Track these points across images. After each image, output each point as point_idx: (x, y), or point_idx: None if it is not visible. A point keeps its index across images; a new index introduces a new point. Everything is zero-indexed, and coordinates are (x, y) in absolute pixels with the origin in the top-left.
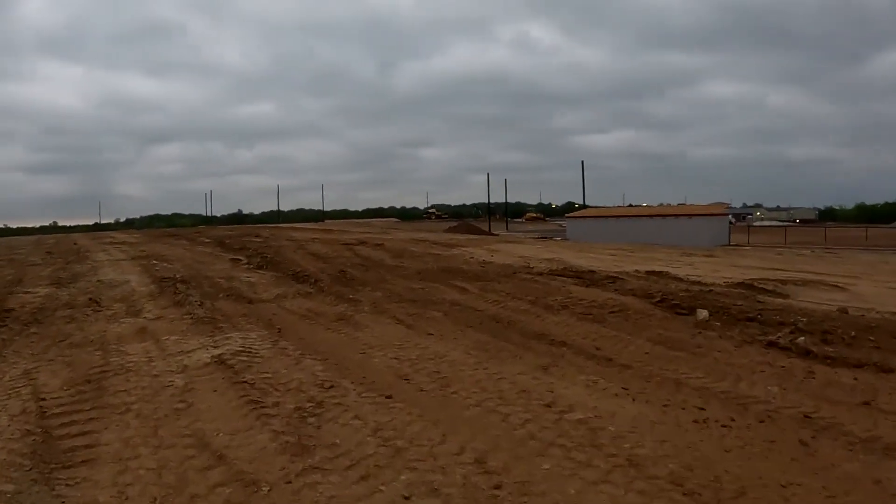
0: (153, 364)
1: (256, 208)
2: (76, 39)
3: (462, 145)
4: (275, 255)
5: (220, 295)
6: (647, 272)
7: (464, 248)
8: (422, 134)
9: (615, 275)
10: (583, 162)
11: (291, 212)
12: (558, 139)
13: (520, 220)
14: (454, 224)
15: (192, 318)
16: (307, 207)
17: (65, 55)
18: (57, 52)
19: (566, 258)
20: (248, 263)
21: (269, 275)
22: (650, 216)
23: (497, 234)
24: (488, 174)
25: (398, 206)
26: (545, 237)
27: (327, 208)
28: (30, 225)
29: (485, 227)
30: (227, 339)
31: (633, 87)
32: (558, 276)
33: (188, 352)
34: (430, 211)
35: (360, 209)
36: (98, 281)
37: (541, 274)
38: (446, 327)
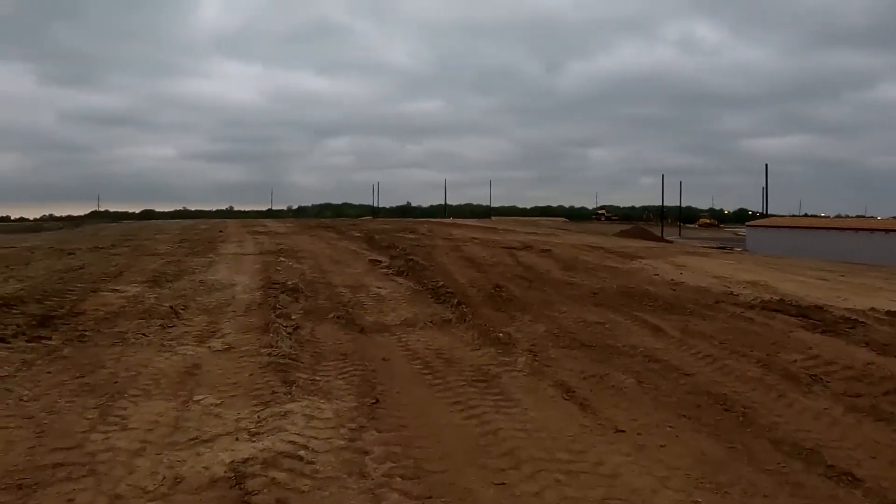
0: (134, 463)
1: (424, 201)
2: (251, 41)
3: (629, 146)
4: (423, 257)
5: (331, 315)
6: (890, 312)
7: (644, 261)
8: (588, 133)
9: (851, 315)
10: (767, 166)
11: (459, 206)
12: (727, 142)
13: (692, 225)
14: (626, 227)
15: (268, 354)
16: (475, 202)
17: (241, 55)
18: (233, 52)
19: (772, 282)
20: (388, 267)
21: (406, 285)
22: (852, 230)
23: (671, 241)
24: (663, 176)
25: (566, 206)
26: (723, 247)
27: (495, 204)
28: (208, 208)
29: (656, 231)
30: (284, 415)
31: (805, 89)
32: (775, 311)
33: (206, 440)
34: (599, 212)
35: (527, 206)
36: (200, 282)
37: (752, 307)
38: (643, 413)
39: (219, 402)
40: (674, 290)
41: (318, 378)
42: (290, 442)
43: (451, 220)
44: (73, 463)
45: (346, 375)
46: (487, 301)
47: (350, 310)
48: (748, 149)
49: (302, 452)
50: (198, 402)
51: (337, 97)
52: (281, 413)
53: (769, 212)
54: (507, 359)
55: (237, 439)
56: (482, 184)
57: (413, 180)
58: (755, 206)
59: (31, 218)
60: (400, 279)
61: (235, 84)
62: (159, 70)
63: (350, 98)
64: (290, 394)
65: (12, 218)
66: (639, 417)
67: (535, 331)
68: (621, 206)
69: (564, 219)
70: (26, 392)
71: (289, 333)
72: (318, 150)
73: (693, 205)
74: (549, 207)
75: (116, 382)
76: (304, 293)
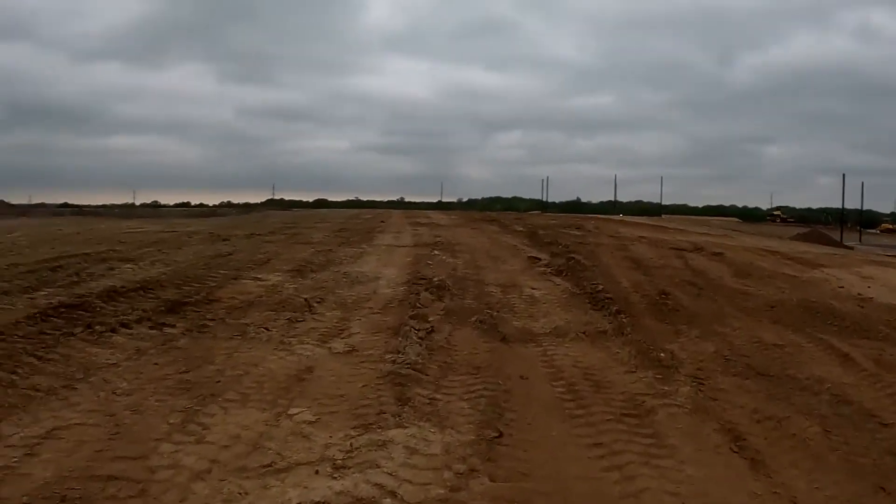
0: (191, 489)
1: (594, 197)
2: (420, 38)
3: (805, 143)
4: (586, 256)
5: (473, 318)
6: None
7: (825, 269)
8: (762, 130)
9: None
10: None
11: (628, 203)
12: None
13: (873, 230)
14: (803, 230)
15: (392, 361)
16: (645, 199)
17: (410, 52)
18: (403, 49)
19: None
20: (547, 265)
21: (563, 287)
22: None
23: (851, 247)
24: (843, 175)
25: (739, 205)
26: None
27: (665, 202)
28: (379, 199)
29: (835, 235)
30: (383, 445)
31: None
32: None
33: (281, 469)
34: (774, 213)
35: (699, 205)
36: (344, 273)
37: None
38: (831, 480)
39: (314, 418)
40: (861, 307)
41: (438, 397)
42: (376, 485)
43: (619, 217)
44: (128, 478)
45: (472, 396)
46: (650, 310)
47: (496, 313)
48: None
49: (387, 502)
50: (291, 416)
51: (506, 92)
52: (380, 442)
53: None
54: (666, 387)
55: (317, 472)
56: (652, 180)
57: (583, 175)
58: None
59: (210, 204)
60: (557, 279)
61: (406, 80)
62: (332, 67)
63: (519, 92)
64: (398, 416)
65: (192, 204)
66: (825, 486)
67: (702, 350)
68: (797, 208)
69: (737, 219)
70: (123, 384)
71: (420, 338)
72: (489, 144)
73: (873, 208)
74: (721, 207)
75: (218, 382)
76: (450, 291)
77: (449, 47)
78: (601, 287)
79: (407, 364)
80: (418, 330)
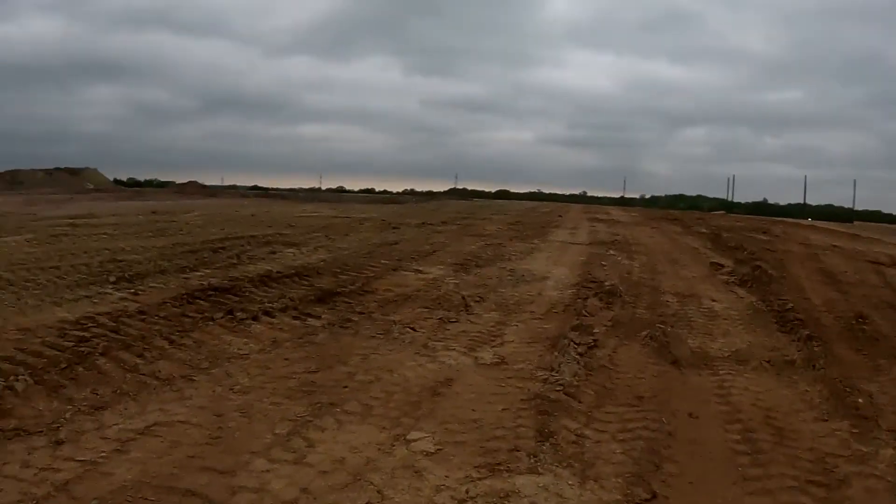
0: None
1: (782, 199)
2: (603, 30)
3: None
4: (773, 265)
5: (644, 333)
6: None
7: None
8: None
9: None
10: None
11: (817, 206)
12: None
13: None
14: None
15: (542, 380)
16: (836, 203)
17: (593, 44)
18: (585, 42)
19: None
20: (730, 273)
21: (747, 301)
22: None
23: None
24: None
25: None
26: None
27: (858, 207)
28: (561, 192)
29: None
30: (505, 497)
31: None
32: None
33: None
34: None
35: (893, 212)
36: (510, 271)
37: None
38: None
39: (435, 449)
40: None
41: (588, 433)
42: None
43: (808, 221)
44: (205, 496)
45: (628, 436)
46: (845, 336)
47: (669, 328)
48: None
49: None
50: (410, 443)
51: (691, 85)
52: (503, 492)
53: None
54: (864, 447)
55: None
56: (844, 183)
57: (770, 175)
58: None
59: (393, 191)
60: (741, 291)
61: (589, 72)
62: (515, 60)
63: (704, 86)
64: (535, 456)
65: (376, 190)
66: None
67: None
68: None
69: None
70: (244, 380)
71: (580, 354)
72: (673, 140)
73: None
74: None
75: (345, 388)
76: (621, 298)
77: (632, 39)
78: (790, 304)
79: (559, 386)
80: (579, 344)
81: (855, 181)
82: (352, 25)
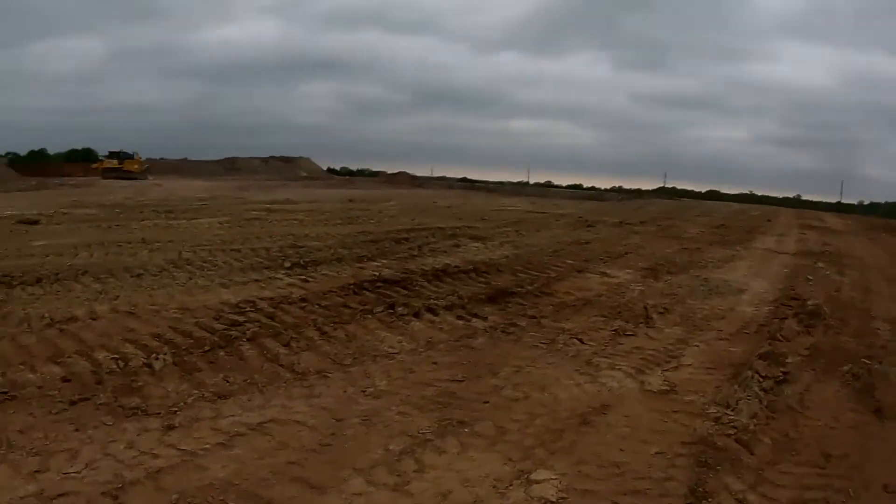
0: None
1: None
2: (818, 21)
3: None
4: None
5: (846, 368)
6: None
7: None
8: None
9: None
10: None
11: None
12: None
13: None
14: None
15: (713, 419)
16: None
17: (808, 36)
18: (800, 34)
19: None
20: None
21: None
22: None
23: None
24: None
25: None
26: None
27: None
28: (774, 195)
29: None
30: None
31: None
32: None
33: None
34: None
35: None
36: (704, 280)
37: None
38: None
39: (556, 498)
40: None
41: (751, 499)
42: None
43: None
44: None
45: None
46: None
47: (877, 364)
48: None
49: None
50: (530, 483)
51: None
52: None
53: None
54: None
55: None
56: None
57: None
58: None
59: (601, 188)
60: None
61: (805, 67)
62: (727, 55)
63: None
64: None
65: (584, 186)
66: None
67: None
68: None
69: None
70: (380, 383)
71: (764, 390)
72: None
73: None
74: None
75: (485, 403)
76: (825, 321)
77: (848, 31)
78: None
79: (732, 429)
80: (765, 377)
81: None
82: (560, 21)
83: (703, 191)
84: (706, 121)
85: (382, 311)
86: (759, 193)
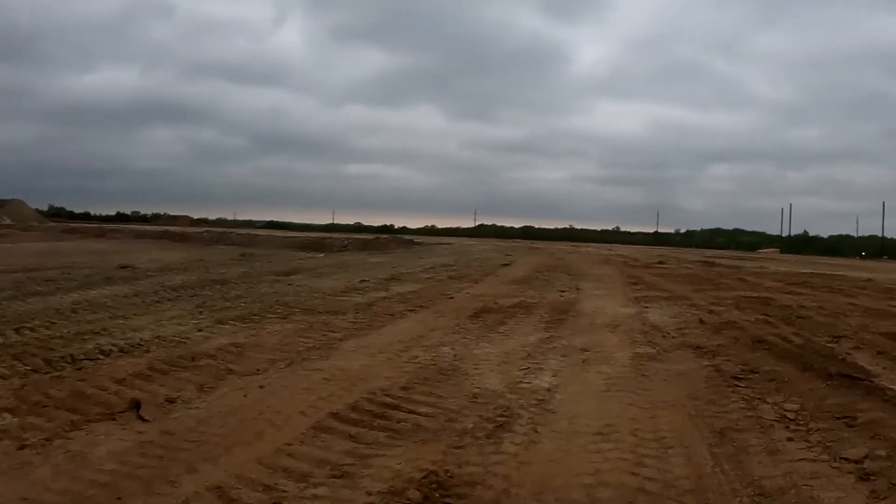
0: None
1: (823, 231)
2: (624, 83)
3: None
4: None
5: None
6: None
7: None
8: None
9: None
10: None
11: (861, 238)
12: None
13: None
14: None
15: None
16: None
17: (617, 94)
18: (609, 92)
19: None
20: None
21: None
22: None
23: None
24: None
25: None
26: None
27: (890, 234)
28: (594, 227)
29: None
30: None
31: None
32: None
33: None
34: None
35: None
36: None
37: None
38: None
39: None
40: None
41: None
42: None
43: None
44: None
45: None
46: None
47: None
48: None
49: None
50: None
51: (711, 127)
52: None
53: None
54: None
55: None
56: (872, 214)
57: (801, 208)
58: None
59: (413, 228)
60: None
61: (615, 119)
62: (548, 109)
63: (724, 128)
64: None
65: (395, 227)
66: None
67: None
68: None
69: None
70: None
71: None
72: (703, 176)
73: None
74: None
75: None
76: None
77: (648, 90)
78: None
79: None
80: None
81: (884, 203)
82: (402, 79)
83: (520, 226)
84: (529, 163)
85: None
86: (580, 227)
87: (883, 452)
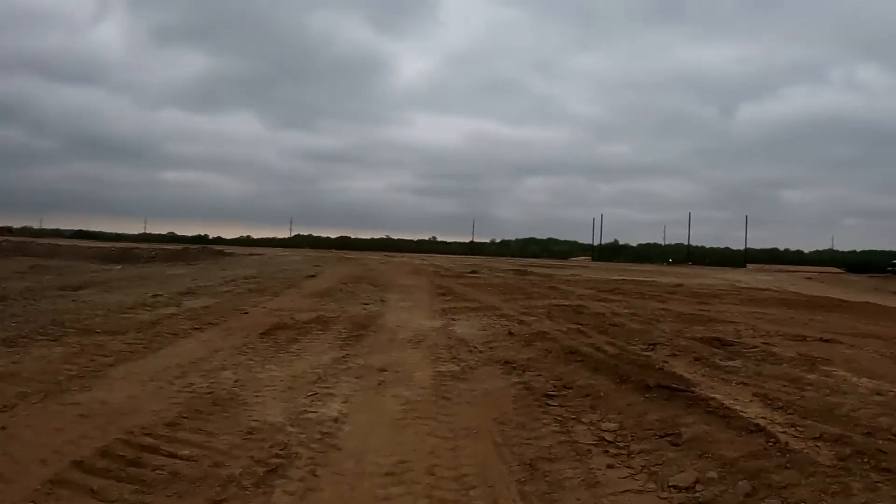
0: None
1: (632, 239)
2: (443, 97)
3: (821, 187)
4: None
5: None
6: None
7: None
8: (777, 175)
9: None
10: None
11: (672, 245)
12: None
13: None
14: None
15: None
16: (684, 242)
17: (436, 108)
18: (428, 105)
19: None
20: None
21: None
22: None
23: None
24: None
25: (780, 248)
26: None
27: (702, 244)
28: (411, 237)
29: None
30: None
31: None
32: None
33: None
34: None
35: (738, 248)
36: None
37: None
38: None
39: None
40: None
41: None
42: None
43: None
44: None
45: None
46: None
47: None
48: None
49: None
50: None
51: (526, 142)
52: None
53: None
54: None
55: None
56: (678, 224)
57: (611, 218)
58: None
59: (227, 238)
60: None
61: (434, 131)
62: (368, 119)
63: (539, 143)
64: None
65: (210, 237)
66: None
67: None
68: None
69: (839, 270)
70: None
71: None
72: (519, 187)
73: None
74: (815, 253)
75: None
76: None
77: (468, 104)
78: None
79: None
80: None
81: (690, 216)
82: (221, 84)
83: (336, 236)
84: (348, 173)
85: None
86: (397, 237)
87: (714, 474)
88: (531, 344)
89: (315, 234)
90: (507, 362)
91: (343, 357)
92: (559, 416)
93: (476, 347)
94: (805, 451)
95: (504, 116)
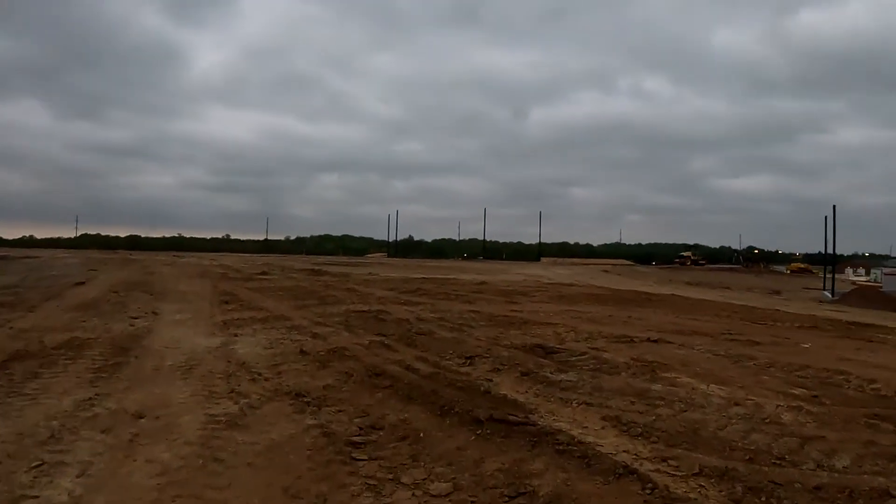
0: None
1: (427, 235)
2: (237, 90)
3: (605, 186)
4: None
5: None
6: None
7: None
8: (567, 174)
9: None
10: (834, 207)
11: (466, 241)
12: (699, 182)
13: (780, 268)
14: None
15: None
16: (478, 237)
17: (230, 101)
18: (223, 99)
19: None
20: None
21: None
22: None
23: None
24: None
25: (571, 242)
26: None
27: (495, 239)
28: (204, 236)
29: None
30: None
31: (757, 133)
32: None
33: None
34: (683, 255)
35: (531, 243)
36: None
37: None
38: None
39: None
40: None
41: None
42: None
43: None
44: None
45: None
46: None
47: None
48: (719, 188)
49: None
50: None
51: (321, 138)
52: None
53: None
54: None
55: None
56: (475, 220)
57: (408, 215)
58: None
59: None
60: None
61: (228, 125)
62: (159, 111)
63: (334, 139)
64: None
65: None
66: None
67: None
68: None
69: (628, 261)
70: None
71: None
72: (313, 184)
73: (675, 241)
74: (605, 246)
75: None
76: None
77: (263, 99)
78: None
79: None
80: None
81: (485, 213)
82: (4, 70)
83: (126, 235)
84: (139, 168)
85: None
86: (189, 235)
87: None
88: (328, 365)
89: (104, 234)
90: (298, 395)
91: (90, 399)
92: (371, 476)
93: (261, 374)
94: (690, 495)
95: (301, 113)
